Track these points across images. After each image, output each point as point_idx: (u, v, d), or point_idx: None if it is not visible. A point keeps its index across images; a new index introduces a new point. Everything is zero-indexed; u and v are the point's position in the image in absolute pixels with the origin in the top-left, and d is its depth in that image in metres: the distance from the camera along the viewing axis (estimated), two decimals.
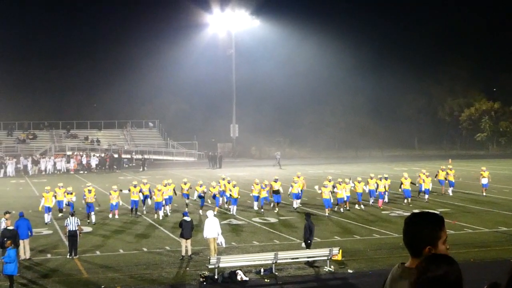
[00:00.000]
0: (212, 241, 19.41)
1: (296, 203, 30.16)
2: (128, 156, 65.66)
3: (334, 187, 28.58)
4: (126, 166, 62.06)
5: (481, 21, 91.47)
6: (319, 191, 28.34)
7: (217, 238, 19.55)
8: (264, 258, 17.98)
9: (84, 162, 59.15)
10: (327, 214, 27.64)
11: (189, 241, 19.69)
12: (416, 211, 3.66)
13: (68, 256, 19.93)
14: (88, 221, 26.31)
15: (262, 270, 17.71)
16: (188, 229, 19.67)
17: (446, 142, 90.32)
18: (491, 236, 22.96)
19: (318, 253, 18.55)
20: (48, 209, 26.76)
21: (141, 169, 57.15)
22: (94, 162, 60.04)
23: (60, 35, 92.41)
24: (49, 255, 20.60)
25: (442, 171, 35.13)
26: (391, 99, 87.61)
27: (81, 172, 56.92)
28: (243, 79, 75.78)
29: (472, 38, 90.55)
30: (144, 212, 28.93)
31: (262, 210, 29.15)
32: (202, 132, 79.20)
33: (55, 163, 57.80)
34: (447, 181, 35.04)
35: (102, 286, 16.33)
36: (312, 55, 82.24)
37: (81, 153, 61.98)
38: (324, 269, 17.97)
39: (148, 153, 67.12)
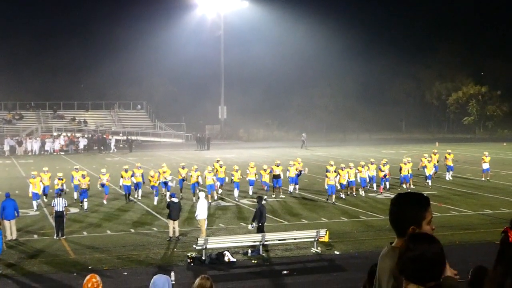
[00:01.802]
0: (204, 222, 19.51)
1: (291, 187, 29.56)
2: (116, 137, 65.45)
3: (336, 172, 27.55)
4: (113, 147, 61.81)
5: (470, 7, 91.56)
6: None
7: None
8: (252, 240, 18.05)
9: (62, 143, 58.40)
10: (333, 201, 26.45)
11: (176, 222, 19.72)
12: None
13: (55, 237, 19.88)
14: (81, 205, 25.20)
15: (249, 251, 17.78)
16: (176, 210, 19.70)
17: (434, 125, 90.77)
18: (476, 218, 23.18)
19: (305, 235, 18.65)
20: (36, 196, 25.39)
21: (129, 151, 57.03)
22: (82, 143, 59.75)
23: (47, 15, 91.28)
24: (35, 236, 20.54)
25: (435, 155, 34.13)
26: (379, 83, 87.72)
27: (67, 152, 56.67)
28: (231, 61, 75.43)
29: (461, 23, 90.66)
30: (139, 197, 27.75)
31: (265, 197, 27.43)
32: (190, 113, 78.94)
33: (42, 144, 57.48)
34: (439, 165, 34.35)
35: (89, 267, 16.31)
36: (301, 38, 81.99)
37: (59, 134, 61.72)
38: (311, 251, 18.07)
39: (136, 134, 66.91)
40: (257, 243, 17.74)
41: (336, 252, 18.07)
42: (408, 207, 3.33)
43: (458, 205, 26.02)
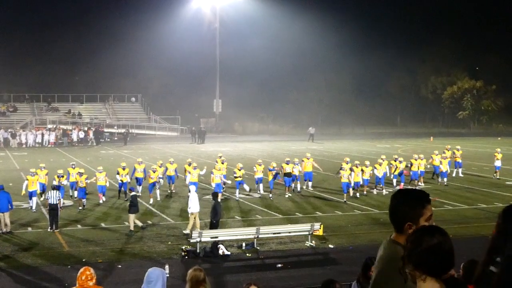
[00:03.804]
0: (197, 216, 19.59)
1: (298, 186, 27.90)
2: (111, 130, 65.36)
3: (351, 170, 26.16)
4: (108, 140, 61.69)
5: (466, 2, 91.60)
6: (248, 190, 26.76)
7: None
8: (246, 233, 18.06)
9: (52, 140, 57.76)
10: (344, 200, 25.43)
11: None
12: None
13: (48, 230, 19.83)
14: (80, 208, 23.51)
15: (244, 244, 17.79)
16: (137, 203, 20.07)
17: (428, 120, 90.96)
18: (470, 212, 23.26)
19: (299, 228, 18.68)
20: (33, 194, 23.54)
21: (124, 144, 56.73)
22: (75, 135, 59.51)
23: (42, 7, 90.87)
24: (29, 229, 20.48)
25: (448, 151, 32.98)
26: (375, 77, 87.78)
27: (61, 145, 56.47)
28: (227, 54, 75.31)
29: (457, 18, 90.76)
30: (139, 193, 26.13)
31: (271, 195, 26.45)
32: (185, 107, 78.84)
33: (36, 136, 57.27)
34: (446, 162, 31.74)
35: (83, 260, 16.27)
36: (297, 31, 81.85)
37: (54, 126, 61.45)
38: (305, 244, 18.09)
39: (131, 127, 66.75)
40: (252, 236, 17.75)
41: (331, 246, 18.09)
42: (405, 203, 3.32)
43: (452, 199, 26.08)
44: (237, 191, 26.16)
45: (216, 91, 74.37)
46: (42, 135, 57.85)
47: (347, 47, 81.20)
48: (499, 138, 63.50)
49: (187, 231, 18.83)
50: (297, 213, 23.20)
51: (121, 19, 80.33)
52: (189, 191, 20.59)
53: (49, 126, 62.40)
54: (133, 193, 20.34)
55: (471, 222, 21.41)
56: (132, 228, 19.65)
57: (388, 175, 28.76)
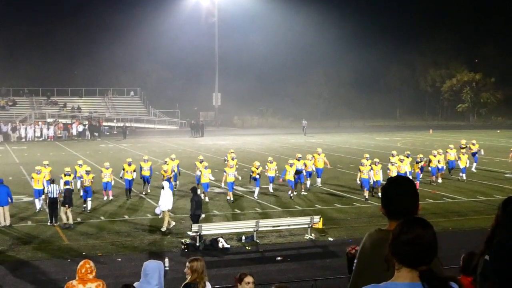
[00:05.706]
0: (167, 213, 19.31)
1: (308, 183, 26.78)
2: (110, 124, 65.32)
3: (370, 167, 24.72)
4: (107, 134, 61.64)
5: None
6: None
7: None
8: (246, 226, 18.09)
9: (52, 133, 57.57)
10: (366, 197, 24.09)
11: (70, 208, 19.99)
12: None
13: (48, 223, 19.86)
14: (84, 206, 22.27)
15: (243, 237, 17.82)
16: (71, 197, 20.11)
17: (428, 113, 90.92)
18: (470, 205, 23.27)
19: (299, 221, 18.70)
20: (39, 193, 22.07)
21: (123, 138, 56.65)
22: (75, 129, 59.44)
23: (41, 1, 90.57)
24: (29, 222, 20.50)
25: (465, 145, 31.72)
26: (374, 70, 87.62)
27: (60, 138, 56.41)
28: (226, 48, 75.15)
29: (455, 11, 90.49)
30: (144, 192, 25.59)
31: (294, 193, 25.13)
32: (184, 100, 78.79)
33: (35, 130, 57.22)
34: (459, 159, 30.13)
35: (83, 253, 16.30)
36: (296, 25, 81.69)
37: (54, 120, 61.38)
38: (305, 237, 18.12)
39: (130, 121, 66.67)
40: (251, 230, 17.78)
41: (330, 239, 18.12)
42: (411, 188, 3.43)
43: (452, 191, 26.10)
44: (257, 189, 24.76)
45: (215, 84, 74.30)
46: (41, 129, 57.82)
47: (346, 41, 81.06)
48: (498, 131, 63.52)
49: (164, 229, 18.85)
50: (296, 206, 23.22)
51: (120, 13, 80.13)
52: (163, 188, 19.84)
53: (49, 120, 62.34)
54: (67, 186, 20.30)
55: (470, 214, 21.43)
56: (71, 222, 19.61)
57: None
